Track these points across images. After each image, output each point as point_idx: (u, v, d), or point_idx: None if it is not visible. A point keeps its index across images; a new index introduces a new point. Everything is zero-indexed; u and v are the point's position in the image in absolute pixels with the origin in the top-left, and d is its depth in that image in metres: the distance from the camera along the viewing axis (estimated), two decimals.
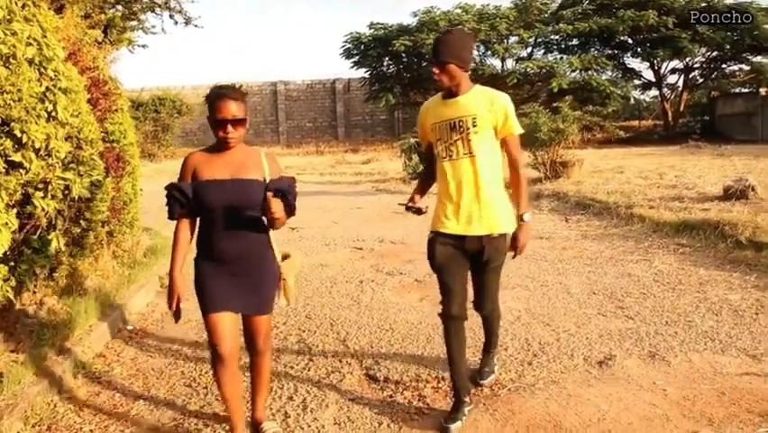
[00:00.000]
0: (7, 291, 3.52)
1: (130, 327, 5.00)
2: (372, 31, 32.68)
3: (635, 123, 37.03)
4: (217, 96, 2.84)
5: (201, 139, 32.51)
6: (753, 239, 6.63)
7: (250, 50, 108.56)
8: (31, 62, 3.99)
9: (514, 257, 3.38)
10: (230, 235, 2.89)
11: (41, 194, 4.01)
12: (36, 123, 3.79)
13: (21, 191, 3.70)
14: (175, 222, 3.00)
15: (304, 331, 4.78)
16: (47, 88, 4.09)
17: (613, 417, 3.22)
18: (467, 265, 3.35)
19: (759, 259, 6.12)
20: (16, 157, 3.61)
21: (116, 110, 6.48)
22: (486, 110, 3.22)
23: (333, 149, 32.78)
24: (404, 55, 31.85)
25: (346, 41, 33.13)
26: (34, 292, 4.74)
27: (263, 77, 42.04)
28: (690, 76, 34.20)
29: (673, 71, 34.20)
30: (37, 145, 3.76)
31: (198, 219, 2.99)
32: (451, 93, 3.27)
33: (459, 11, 31.22)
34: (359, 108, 39.52)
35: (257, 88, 39.36)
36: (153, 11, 8.81)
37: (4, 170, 3.51)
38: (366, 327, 4.77)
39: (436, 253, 3.34)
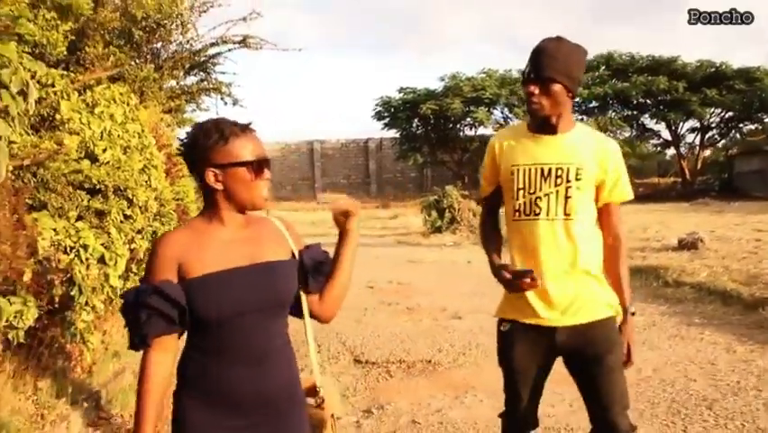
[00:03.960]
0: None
1: None
2: (402, 95, 35.13)
3: (656, 180, 38.60)
4: (242, 128, 1.84)
5: None
6: (678, 279, 8.35)
7: (286, 111, 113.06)
8: (136, 148, 6.04)
9: (625, 365, 2.53)
10: (250, 365, 1.84)
11: (140, 236, 6.01)
12: (140, 189, 5.79)
13: (131, 236, 5.68)
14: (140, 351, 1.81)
15: (315, 337, 6.67)
16: (145, 166, 6.13)
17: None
18: (550, 369, 2.57)
19: (675, 294, 7.84)
20: (128, 212, 5.60)
21: (182, 176, 8.54)
22: (593, 161, 2.45)
23: (364, 204, 34.69)
24: (431, 117, 34.08)
25: (377, 105, 35.64)
26: None
27: (300, 136, 44.52)
28: (709, 135, 35.86)
29: (693, 130, 35.94)
30: (141, 204, 5.76)
31: (184, 339, 1.88)
32: (546, 126, 2.46)
33: (483, 75, 33.47)
34: (390, 166, 41.79)
35: (294, 147, 42.00)
36: (209, 95, 11.05)
37: (122, 220, 5.51)
38: (361, 335, 6.60)
39: (515, 355, 2.54)
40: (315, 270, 2.01)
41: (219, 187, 1.82)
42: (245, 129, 1.84)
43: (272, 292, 1.87)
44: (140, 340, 1.78)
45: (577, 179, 2.41)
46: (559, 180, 2.42)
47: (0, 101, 4.02)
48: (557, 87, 2.37)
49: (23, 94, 4.21)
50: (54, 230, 4.67)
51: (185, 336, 1.87)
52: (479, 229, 2.80)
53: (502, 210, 2.66)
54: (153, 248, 1.86)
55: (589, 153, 2.45)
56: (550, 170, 2.43)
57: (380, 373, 5.34)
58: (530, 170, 2.46)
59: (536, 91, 2.38)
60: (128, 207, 5.57)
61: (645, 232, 14.23)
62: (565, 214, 2.43)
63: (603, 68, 33.77)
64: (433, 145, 35.58)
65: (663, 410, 4.24)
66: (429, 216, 18.90)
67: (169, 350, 1.82)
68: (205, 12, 9.96)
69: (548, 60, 2.35)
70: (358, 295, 9.13)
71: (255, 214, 1.95)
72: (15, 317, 3.99)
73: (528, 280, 2.32)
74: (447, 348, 5.89)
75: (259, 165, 1.83)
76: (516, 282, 2.36)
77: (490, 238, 2.66)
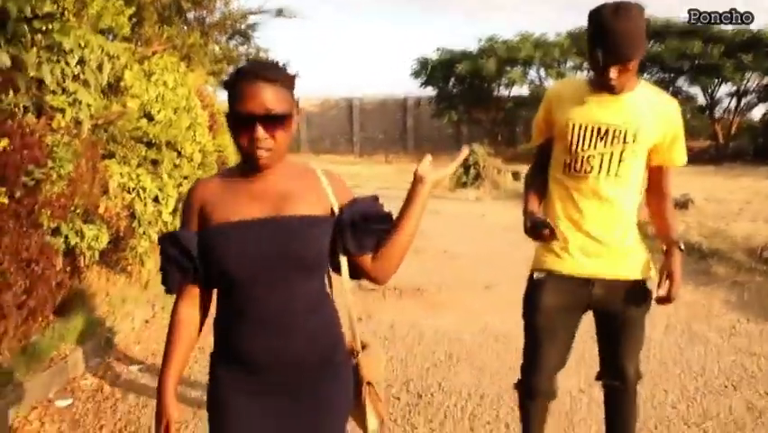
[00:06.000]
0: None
1: None
2: (439, 55, 35.86)
3: (690, 144, 38.74)
4: (244, 74, 1.62)
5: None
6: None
7: (327, 66, 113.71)
8: (184, 109, 7.31)
9: (667, 300, 2.53)
10: (270, 325, 1.70)
11: (186, 181, 7.30)
12: (187, 143, 7.07)
13: (180, 181, 6.98)
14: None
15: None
16: (191, 123, 7.40)
17: (478, 305, 6.21)
18: (576, 329, 2.58)
19: (650, 246, 8.86)
20: (177, 162, 6.88)
21: (223, 131, 9.83)
22: (652, 122, 2.39)
23: (400, 159, 36.03)
24: (467, 77, 34.76)
25: (415, 64, 36.45)
26: None
27: (340, 91, 45.53)
28: (746, 100, 35.85)
29: (730, 95, 35.96)
30: (187, 155, 7.03)
31: (215, 292, 1.80)
32: (609, 85, 2.35)
33: (518, 38, 34.00)
34: (427, 123, 42.55)
35: (334, 102, 43.05)
36: (247, 59, 12.31)
37: (172, 168, 6.79)
38: None
39: (543, 305, 2.50)
40: (356, 227, 1.78)
41: (233, 136, 1.68)
42: (256, 75, 1.61)
43: (285, 249, 1.67)
44: (168, 288, 1.77)
45: (633, 141, 2.38)
46: (615, 141, 2.38)
47: (83, 74, 5.34)
48: (634, 63, 2.30)
49: (100, 68, 5.54)
50: (120, 174, 5.98)
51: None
52: (526, 174, 2.79)
53: None
54: (188, 192, 1.80)
55: (649, 115, 2.40)
56: (607, 130, 2.39)
57: (377, 296, 6.59)
58: (586, 127, 2.41)
59: (615, 74, 2.28)
60: (177, 158, 6.86)
61: None
62: (616, 174, 2.42)
63: None
64: (468, 104, 36.31)
65: None
66: (455, 171, 19.91)
67: (195, 301, 1.78)
68: None
69: (626, 42, 2.22)
70: None
71: (300, 165, 1.81)
72: (93, 240, 5.32)
73: (547, 231, 2.32)
74: (436, 280, 7.11)
75: (245, 121, 1.60)
76: (536, 231, 2.37)
77: (533, 185, 2.64)
